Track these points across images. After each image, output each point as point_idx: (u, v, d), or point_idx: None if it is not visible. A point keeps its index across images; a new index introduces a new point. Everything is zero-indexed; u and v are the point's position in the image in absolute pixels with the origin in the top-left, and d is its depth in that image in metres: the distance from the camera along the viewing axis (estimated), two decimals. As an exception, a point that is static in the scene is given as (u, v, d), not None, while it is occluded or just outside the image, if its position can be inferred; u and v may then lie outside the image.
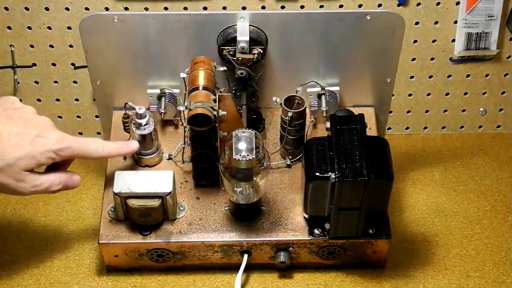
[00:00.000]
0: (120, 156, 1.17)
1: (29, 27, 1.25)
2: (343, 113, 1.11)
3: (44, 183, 1.00)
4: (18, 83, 1.31)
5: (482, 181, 1.30)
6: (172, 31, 1.14)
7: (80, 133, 1.37)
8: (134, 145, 1.11)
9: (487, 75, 1.33)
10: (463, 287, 1.14)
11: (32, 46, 1.27)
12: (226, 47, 1.14)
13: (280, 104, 1.14)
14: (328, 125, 1.06)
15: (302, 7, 1.24)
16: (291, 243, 1.11)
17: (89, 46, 1.15)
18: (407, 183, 1.29)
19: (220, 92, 1.11)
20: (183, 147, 1.16)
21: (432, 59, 1.31)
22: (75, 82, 1.31)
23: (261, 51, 1.14)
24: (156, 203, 1.07)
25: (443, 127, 1.40)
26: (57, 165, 1.03)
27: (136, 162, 1.18)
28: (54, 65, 1.29)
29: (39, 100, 1.33)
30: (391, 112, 1.35)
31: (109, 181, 1.14)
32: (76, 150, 1.00)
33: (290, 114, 1.13)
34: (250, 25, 1.14)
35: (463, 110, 1.38)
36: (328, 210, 1.06)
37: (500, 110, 1.38)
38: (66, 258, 1.18)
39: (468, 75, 1.33)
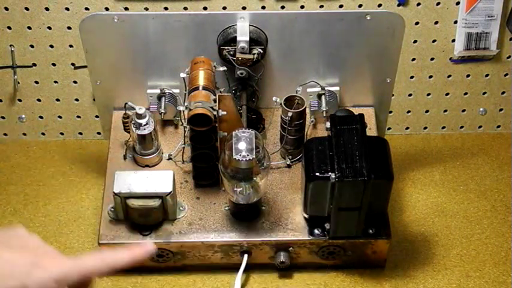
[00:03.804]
0: (119, 158, 1.17)
1: (29, 27, 1.25)
2: (343, 113, 1.11)
3: None
4: (18, 83, 1.31)
5: (482, 181, 1.30)
6: (172, 31, 1.14)
7: (80, 133, 1.37)
8: (149, 246, 0.98)
9: (487, 75, 1.33)
10: (463, 287, 1.14)
11: (32, 46, 1.27)
12: (226, 47, 1.14)
13: (280, 104, 1.14)
14: (328, 125, 1.06)
15: (302, 7, 1.23)
16: (291, 243, 1.11)
17: (89, 46, 1.15)
18: (407, 183, 1.29)
19: (220, 92, 1.11)
20: (183, 147, 1.16)
21: (432, 59, 1.31)
22: (75, 82, 1.31)
23: (261, 51, 1.14)
24: (156, 203, 1.07)
25: (443, 127, 1.40)
26: None
27: (136, 162, 1.18)
28: (54, 65, 1.29)
29: (39, 100, 1.33)
30: (391, 112, 1.35)
31: (109, 181, 1.14)
32: (80, 274, 0.86)
33: (290, 114, 1.13)
34: (250, 25, 1.14)
35: (463, 110, 1.38)
36: (328, 210, 1.06)
37: (500, 110, 1.38)
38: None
39: (468, 75, 1.33)
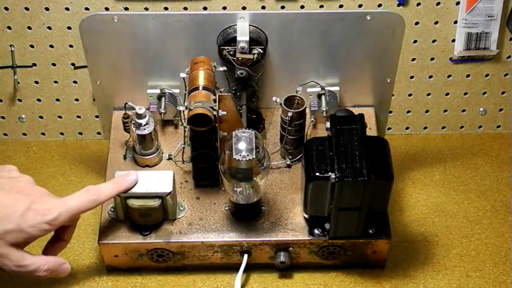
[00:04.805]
0: (119, 158, 1.17)
1: (29, 27, 1.25)
2: (343, 113, 1.11)
3: (30, 265, 0.94)
4: (18, 83, 1.31)
5: (482, 181, 1.30)
6: (172, 31, 1.14)
7: (80, 133, 1.37)
8: (133, 177, 1.05)
9: (487, 75, 1.33)
10: (463, 287, 1.14)
11: (32, 46, 1.27)
12: (226, 47, 1.14)
13: (280, 104, 1.14)
14: (328, 125, 1.06)
15: (302, 7, 1.24)
16: (291, 243, 1.11)
17: (89, 46, 1.15)
18: (407, 183, 1.29)
19: (220, 92, 1.11)
20: (183, 147, 1.16)
21: (432, 59, 1.31)
22: (75, 82, 1.31)
23: (261, 51, 1.14)
24: (156, 203, 1.07)
25: (443, 127, 1.40)
26: (58, 237, 1.00)
27: (136, 162, 1.18)
28: (54, 65, 1.29)
29: (39, 100, 1.33)
30: (391, 112, 1.35)
31: (109, 181, 1.14)
32: (70, 213, 0.95)
33: (290, 114, 1.13)
34: (250, 25, 1.14)
35: (463, 110, 1.38)
36: (328, 210, 1.06)
37: (500, 110, 1.38)
38: (66, 258, 1.16)
39: (468, 75, 1.33)
